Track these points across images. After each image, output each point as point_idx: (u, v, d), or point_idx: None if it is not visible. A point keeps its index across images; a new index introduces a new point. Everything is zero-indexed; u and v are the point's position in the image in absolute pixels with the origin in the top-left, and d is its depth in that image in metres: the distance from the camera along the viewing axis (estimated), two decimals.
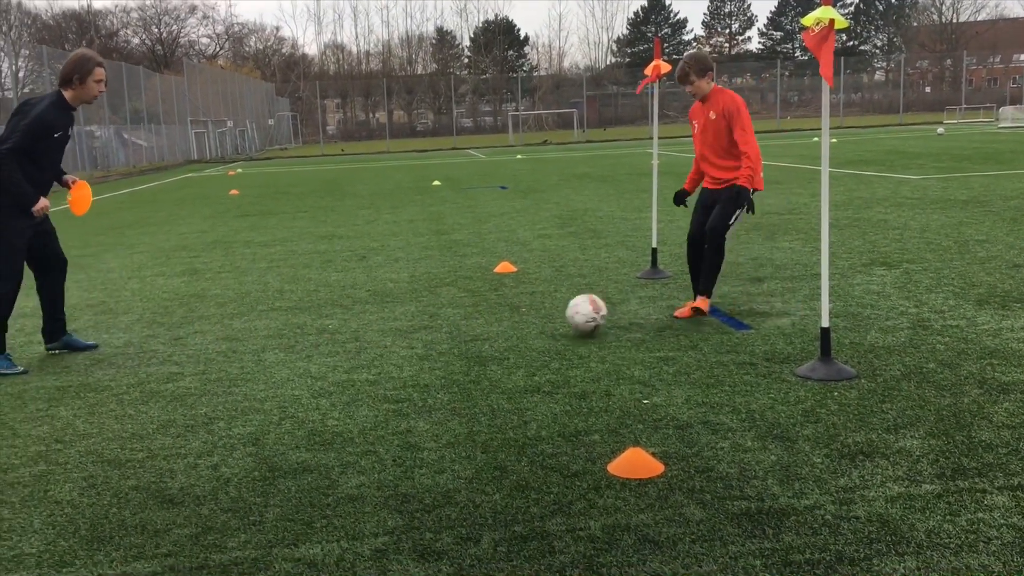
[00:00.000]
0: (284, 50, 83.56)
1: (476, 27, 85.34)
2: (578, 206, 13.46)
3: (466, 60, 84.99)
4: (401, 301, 7.02)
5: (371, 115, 76.63)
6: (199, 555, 2.98)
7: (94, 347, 5.94)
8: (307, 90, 67.31)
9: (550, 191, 16.33)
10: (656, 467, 3.49)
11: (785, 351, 5.08)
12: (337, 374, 5.05)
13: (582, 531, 3.02)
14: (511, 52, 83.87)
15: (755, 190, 5.80)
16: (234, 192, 20.06)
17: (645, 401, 4.33)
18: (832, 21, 4.06)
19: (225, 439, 4.08)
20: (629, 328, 5.79)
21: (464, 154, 36.86)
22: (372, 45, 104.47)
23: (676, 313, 6.05)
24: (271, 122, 58.49)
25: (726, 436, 3.82)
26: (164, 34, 75.71)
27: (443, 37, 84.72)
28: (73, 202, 5.81)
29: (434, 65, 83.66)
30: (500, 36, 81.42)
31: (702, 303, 5.97)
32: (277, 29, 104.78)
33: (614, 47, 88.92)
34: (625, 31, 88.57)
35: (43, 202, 5.41)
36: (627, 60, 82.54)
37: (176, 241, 11.63)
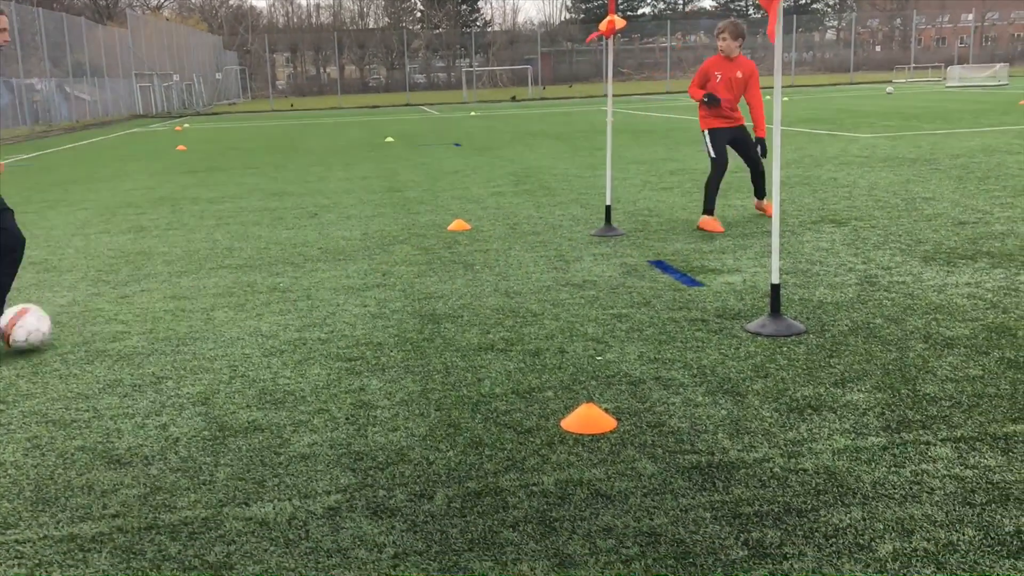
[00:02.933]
0: (232, 2, 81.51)
1: None
2: (532, 164, 13.40)
3: (419, 15, 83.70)
4: (353, 259, 6.95)
5: (322, 70, 75.31)
6: (148, 515, 2.94)
7: None
8: (256, 43, 65.84)
9: (504, 148, 16.23)
10: (609, 423, 3.51)
11: (736, 307, 5.13)
12: (288, 332, 4.99)
13: (535, 486, 3.03)
14: (464, 7, 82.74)
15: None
16: (181, 148, 19.63)
17: (599, 358, 4.35)
18: None
19: (174, 398, 4.02)
20: (583, 286, 5.80)
21: (418, 110, 36.45)
22: None
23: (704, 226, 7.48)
24: (219, 76, 57.20)
25: (678, 391, 3.85)
26: None
27: None
28: None
29: (386, 19, 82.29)
30: None
31: (765, 205, 8.00)
32: None
33: (569, 3, 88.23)
34: None
35: None
36: (582, 16, 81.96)
37: (121, 198, 11.36)
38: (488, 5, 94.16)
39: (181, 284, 6.32)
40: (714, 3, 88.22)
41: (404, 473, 3.17)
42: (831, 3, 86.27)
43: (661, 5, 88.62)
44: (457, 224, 8.15)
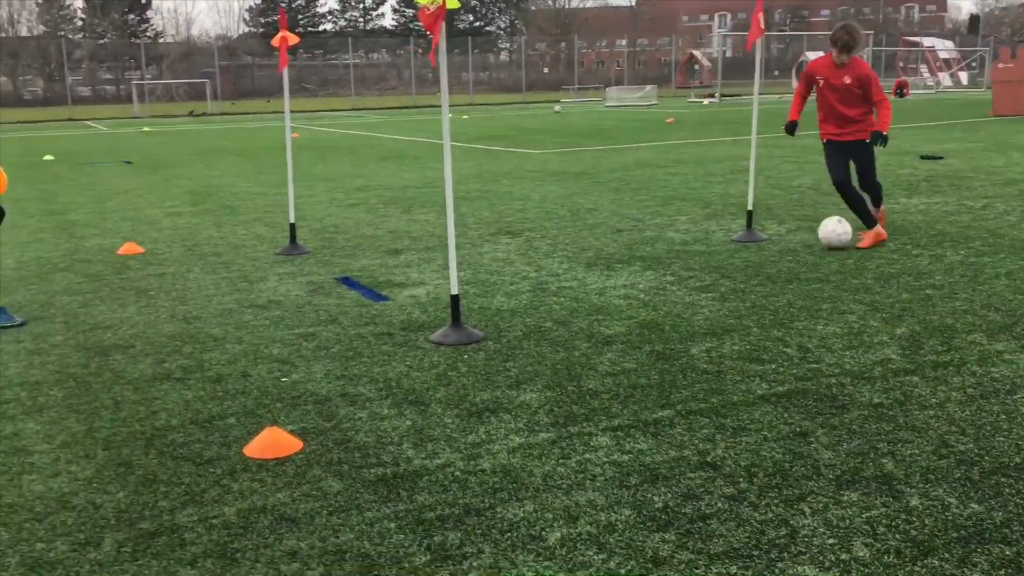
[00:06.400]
0: None
1: None
2: (213, 182, 12.86)
3: (80, 23, 77.18)
4: (5, 290, 6.26)
5: None
6: None
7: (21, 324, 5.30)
8: None
9: (182, 166, 15.43)
10: (294, 444, 3.47)
11: (420, 319, 5.27)
12: None
13: (215, 519, 2.92)
14: (132, 16, 77.55)
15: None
16: None
17: (284, 379, 4.28)
18: (445, 0, 4.23)
19: None
20: (267, 306, 5.67)
21: (83, 126, 33.57)
22: None
23: (858, 245, 6.87)
24: None
25: (364, 406, 3.89)
26: None
27: None
28: None
29: (42, 27, 74.98)
30: None
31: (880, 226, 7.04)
32: None
33: (247, 16, 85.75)
34: (257, 0, 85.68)
35: None
36: (261, 30, 79.93)
37: None
38: (159, 15, 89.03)
39: None
40: (394, 22, 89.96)
41: (66, 522, 2.92)
42: (503, 27, 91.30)
43: (342, 22, 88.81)
44: (128, 247, 7.62)
